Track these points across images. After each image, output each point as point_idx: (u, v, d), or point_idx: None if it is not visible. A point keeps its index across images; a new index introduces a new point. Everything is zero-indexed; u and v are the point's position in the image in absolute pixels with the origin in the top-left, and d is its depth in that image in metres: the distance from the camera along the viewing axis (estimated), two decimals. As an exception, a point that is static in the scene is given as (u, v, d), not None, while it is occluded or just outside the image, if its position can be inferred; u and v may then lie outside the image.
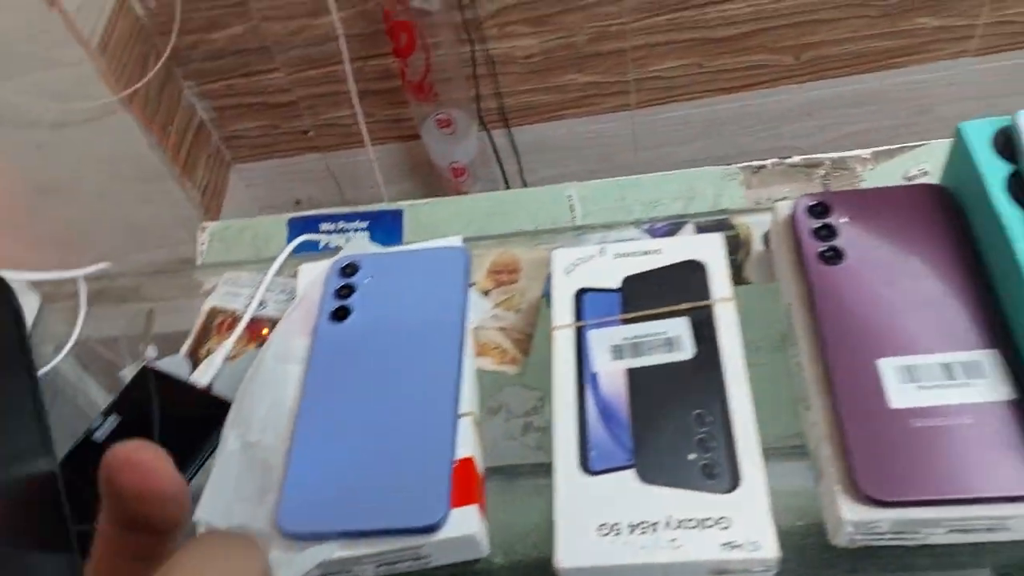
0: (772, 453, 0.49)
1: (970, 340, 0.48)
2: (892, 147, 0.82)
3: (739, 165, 0.84)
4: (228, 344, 0.59)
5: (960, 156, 0.53)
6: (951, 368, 0.46)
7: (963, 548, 0.46)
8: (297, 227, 0.88)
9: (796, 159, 0.85)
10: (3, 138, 1.14)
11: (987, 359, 0.47)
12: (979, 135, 0.52)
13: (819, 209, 0.55)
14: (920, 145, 0.81)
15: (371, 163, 1.29)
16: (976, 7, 1.21)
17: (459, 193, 1.33)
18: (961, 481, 0.43)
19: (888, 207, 0.54)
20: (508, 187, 1.41)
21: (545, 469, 0.48)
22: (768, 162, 0.84)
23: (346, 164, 1.40)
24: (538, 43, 1.22)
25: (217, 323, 0.62)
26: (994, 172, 0.49)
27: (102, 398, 0.62)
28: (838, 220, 0.54)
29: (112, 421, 0.57)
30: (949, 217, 0.53)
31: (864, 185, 0.80)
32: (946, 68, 1.29)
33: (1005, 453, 0.43)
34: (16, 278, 0.64)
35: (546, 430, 0.51)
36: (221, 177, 1.37)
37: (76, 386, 0.63)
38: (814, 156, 0.84)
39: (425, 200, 0.79)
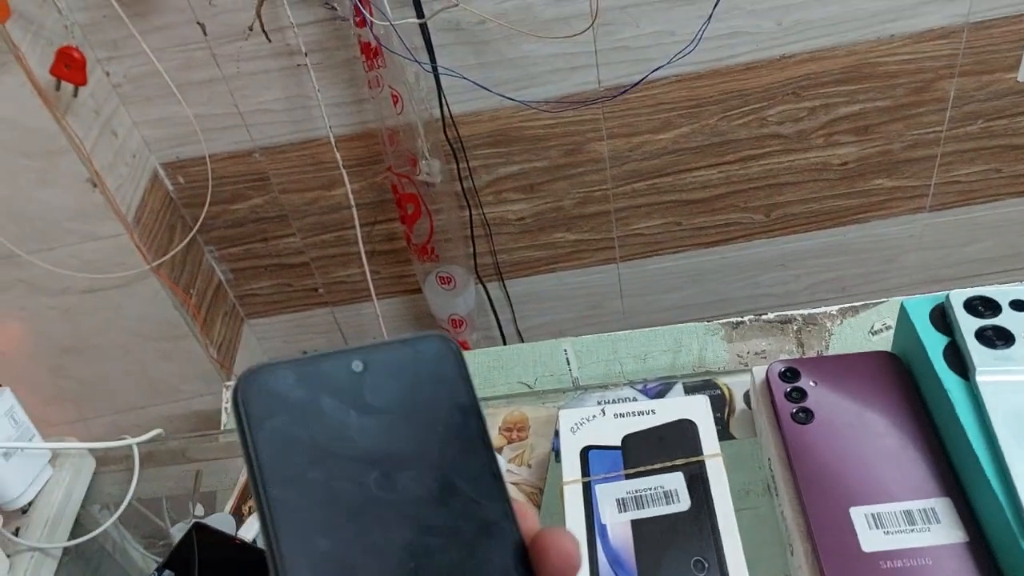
0: (762, 594, 0.56)
1: (926, 489, 0.55)
2: (857, 304, 0.92)
3: (720, 321, 0.94)
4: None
5: (905, 329, 0.62)
6: (912, 515, 0.54)
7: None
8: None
9: (771, 316, 0.94)
10: (33, 304, 1.22)
11: (941, 506, 0.54)
12: (920, 311, 0.61)
13: (789, 374, 0.63)
14: (882, 302, 0.91)
15: (377, 316, 1.38)
16: (927, 170, 1.34)
17: (457, 343, 1.42)
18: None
19: (849, 372, 0.63)
20: (503, 335, 1.50)
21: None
22: (746, 318, 0.94)
23: (352, 317, 1.49)
24: (529, 207, 1.34)
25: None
26: (934, 344, 0.58)
27: (153, 554, 0.67)
28: (807, 383, 0.62)
29: (168, 576, 0.63)
30: (901, 380, 0.61)
31: (834, 339, 0.89)
32: (906, 222, 1.41)
33: (961, 590, 0.51)
34: (76, 447, 0.71)
35: None
36: (235, 332, 1.45)
37: (129, 543, 0.69)
38: (787, 313, 0.93)
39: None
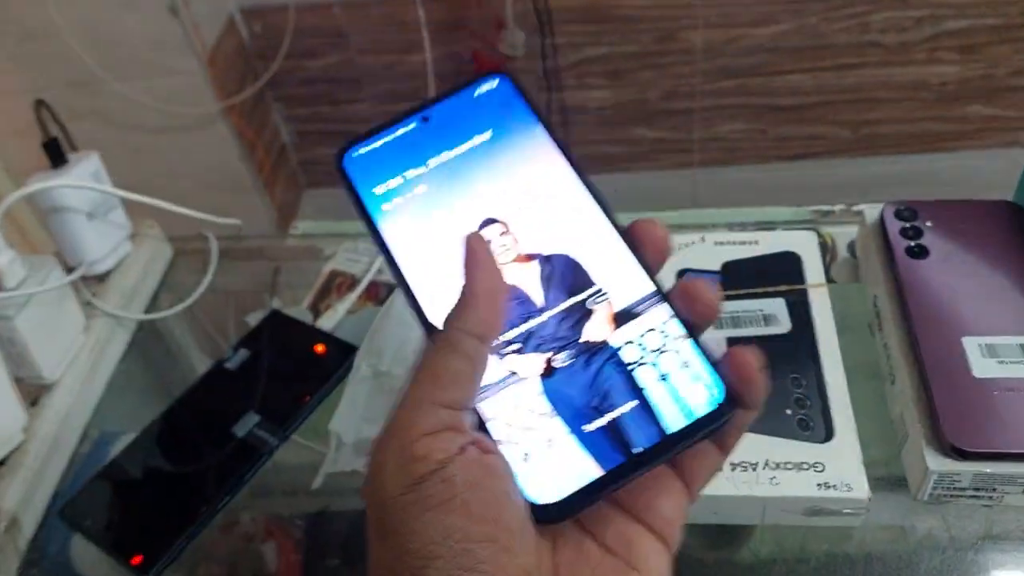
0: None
1: (1043, 327, 0.52)
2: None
3: (809, 208, 0.90)
4: (351, 299, 0.64)
5: (1036, 175, 0.58)
6: (1028, 349, 0.51)
7: None
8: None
9: (863, 206, 0.90)
10: (103, 138, 1.21)
11: (1058, 344, 0.51)
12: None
13: (906, 213, 0.60)
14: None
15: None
16: (1028, 98, 1.28)
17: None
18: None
19: (968, 215, 0.59)
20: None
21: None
22: (837, 208, 0.90)
23: (415, 198, 1.46)
24: (612, 96, 1.30)
25: (336, 283, 0.67)
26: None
27: (229, 339, 0.65)
28: (923, 223, 0.59)
29: (243, 354, 0.61)
30: (1021, 226, 0.58)
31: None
32: (996, 156, 1.35)
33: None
34: (163, 205, 0.69)
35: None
36: (294, 200, 1.43)
37: (202, 328, 0.68)
38: (879, 205, 0.89)
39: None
